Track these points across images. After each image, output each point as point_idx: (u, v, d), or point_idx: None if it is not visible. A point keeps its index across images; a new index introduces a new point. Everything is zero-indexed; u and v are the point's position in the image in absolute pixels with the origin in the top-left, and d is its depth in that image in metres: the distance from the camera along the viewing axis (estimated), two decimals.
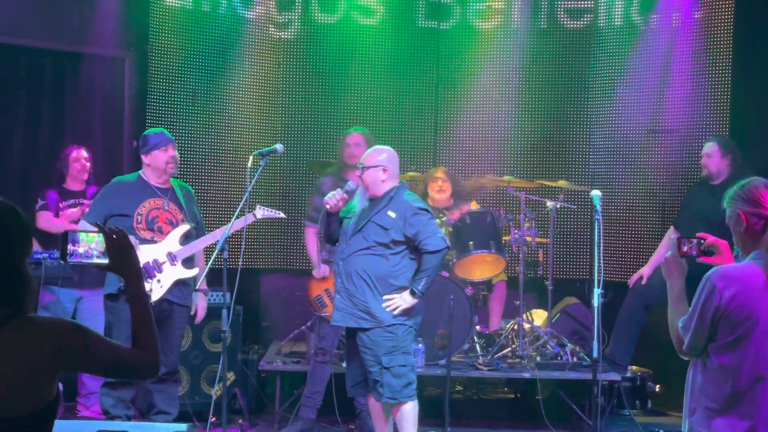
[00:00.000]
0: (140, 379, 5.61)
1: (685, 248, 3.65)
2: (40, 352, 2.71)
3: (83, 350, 2.77)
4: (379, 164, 5.81)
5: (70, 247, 2.91)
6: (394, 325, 5.68)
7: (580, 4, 8.73)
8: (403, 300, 5.67)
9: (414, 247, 5.75)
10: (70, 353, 2.75)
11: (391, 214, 5.72)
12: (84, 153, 7.35)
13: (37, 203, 7.17)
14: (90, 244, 2.93)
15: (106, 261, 2.93)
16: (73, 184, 7.32)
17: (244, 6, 8.58)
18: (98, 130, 8.07)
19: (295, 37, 8.81)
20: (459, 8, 8.86)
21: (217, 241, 6.00)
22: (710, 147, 6.95)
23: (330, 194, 5.87)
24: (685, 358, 3.56)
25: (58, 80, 7.93)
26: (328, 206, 5.85)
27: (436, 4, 8.85)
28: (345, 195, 5.86)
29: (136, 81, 8.11)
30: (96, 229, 2.96)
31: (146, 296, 2.95)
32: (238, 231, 6.19)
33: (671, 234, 7.26)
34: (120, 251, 2.92)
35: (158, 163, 6.19)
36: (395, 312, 5.66)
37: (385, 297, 5.69)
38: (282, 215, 6.66)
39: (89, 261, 2.93)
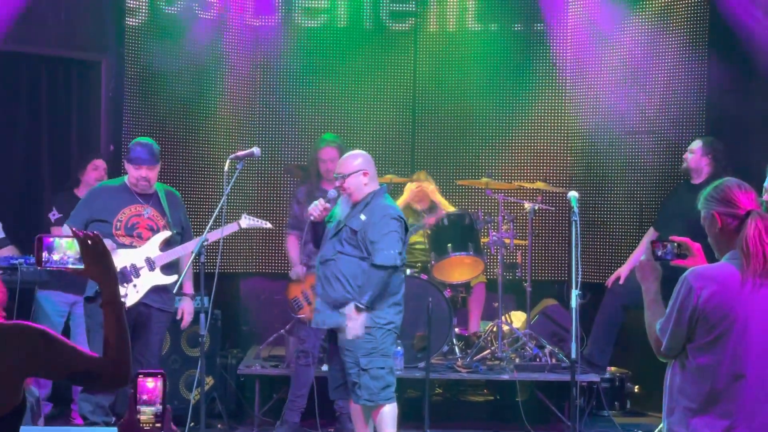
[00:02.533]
0: (109, 389, 5.22)
1: (659, 252, 3.67)
2: (3, 358, 2.69)
3: (46, 357, 2.73)
4: (358, 169, 5.81)
5: (44, 254, 2.85)
6: (373, 327, 5.67)
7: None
8: (352, 319, 5.62)
9: None
10: (32, 359, 2.72)
11: (362, 216, 5.72)
12: (103, 163, 7.40)
13: (53, 214, 7.17)
14: (66, 250, 2.86)
15: (81, 266, 2.87)
16: (84, 192, 7.27)
17: (211, 8, 8.50)
18: (74, 134, 8.03)
19: (272, 40, 8.78)
20: (434, 10, 8.91)
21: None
22: (696, 144, 7.04)
23: (313, 204, 5.88)
24: (664, 360, 3.57)
25: (34, 84, 7.87)
26: (312, 216, 5.86)
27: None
28: (327, 204, 5.87)
29: (113, 84, 8.06)
30: (70, 234, 2.90)
31: (121, 304, 2.88)
32: None
33: (651, 235, 7.26)
34: (95, 256, 2.86)
35: (129, 177, 6.19)
36: (358, 334, 5.61)
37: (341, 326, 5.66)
38: (268, 225, 6.63)
39: (64, 267, 2.88)
